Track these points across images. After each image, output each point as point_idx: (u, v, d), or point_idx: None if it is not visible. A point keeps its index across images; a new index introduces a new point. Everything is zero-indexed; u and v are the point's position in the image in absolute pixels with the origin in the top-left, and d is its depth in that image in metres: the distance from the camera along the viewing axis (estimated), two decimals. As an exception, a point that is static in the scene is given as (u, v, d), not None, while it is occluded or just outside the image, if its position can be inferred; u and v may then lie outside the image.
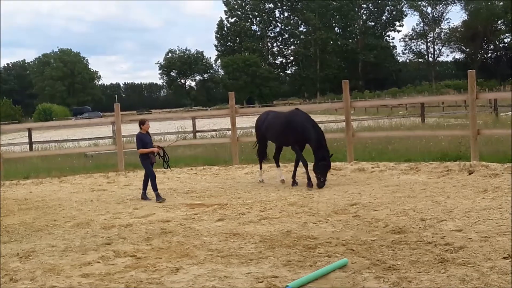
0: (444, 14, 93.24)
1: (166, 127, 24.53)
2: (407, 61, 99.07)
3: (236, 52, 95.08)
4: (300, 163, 9.77)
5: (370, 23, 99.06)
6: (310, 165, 9.56)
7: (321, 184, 9.21)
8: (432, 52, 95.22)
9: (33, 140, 20.72)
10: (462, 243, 5.36)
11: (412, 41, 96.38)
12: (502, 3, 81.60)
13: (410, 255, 5.08)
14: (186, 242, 6.12)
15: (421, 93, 62.97)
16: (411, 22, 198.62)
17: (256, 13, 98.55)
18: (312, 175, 9.44)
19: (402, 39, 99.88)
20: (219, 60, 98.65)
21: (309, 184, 9.29)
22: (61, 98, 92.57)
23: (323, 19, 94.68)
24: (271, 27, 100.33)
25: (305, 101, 76.45)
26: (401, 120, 24.12)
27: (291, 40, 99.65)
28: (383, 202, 7.64)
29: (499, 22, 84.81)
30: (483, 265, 4.66)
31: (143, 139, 9.24)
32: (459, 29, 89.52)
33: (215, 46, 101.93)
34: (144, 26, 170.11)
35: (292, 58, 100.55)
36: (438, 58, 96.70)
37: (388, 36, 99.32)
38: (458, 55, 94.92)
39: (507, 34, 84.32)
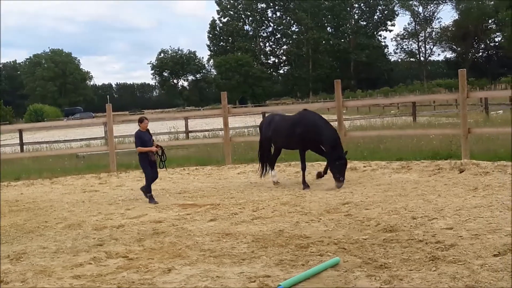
0: (435, 14, 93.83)
1: (158, 128, 24.46)
2: (399, 60, 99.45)
3: (228, 52, 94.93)
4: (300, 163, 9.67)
5: (362, 23, 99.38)
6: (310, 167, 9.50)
7: (340, 184, 8.96)
8: (423, 51, 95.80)
9: (24, 141, 20.55)
10: (453, 241, 5.39)
11: (404, 40, 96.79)
12: (492, 2, 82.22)
13: (402, 253, 5.10)
14: (178, 242, 6.11)
15: (413, 92, 63.26)
16: (402, 21, 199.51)
17: (249, 13, 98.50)
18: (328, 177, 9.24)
19: (393, 39, 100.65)
20: (212, 60, 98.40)
21: (305, 187, 9.23)
22: (52, 99, 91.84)
23: (315, 18, 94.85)
24: (263, 27, 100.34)
25: (297, 100, 76.43)
26: (393, 119, 24.21)
27: (284, 40, 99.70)
28: (374, 201, 7.67)
29: (490, 21, 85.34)
30: (474, 262, 4.69)
31: (142, 137, 9.00)
32: (450, 29, 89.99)
33: (208, 46, 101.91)
34: (135, 26, 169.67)
35: (284, 57, 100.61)
36: (429, 58, 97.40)
37: (380, 35, 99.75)
38: (449, 54, 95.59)
39: (497, 33, 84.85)
